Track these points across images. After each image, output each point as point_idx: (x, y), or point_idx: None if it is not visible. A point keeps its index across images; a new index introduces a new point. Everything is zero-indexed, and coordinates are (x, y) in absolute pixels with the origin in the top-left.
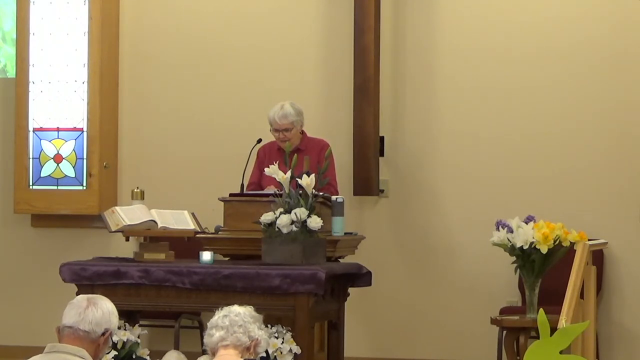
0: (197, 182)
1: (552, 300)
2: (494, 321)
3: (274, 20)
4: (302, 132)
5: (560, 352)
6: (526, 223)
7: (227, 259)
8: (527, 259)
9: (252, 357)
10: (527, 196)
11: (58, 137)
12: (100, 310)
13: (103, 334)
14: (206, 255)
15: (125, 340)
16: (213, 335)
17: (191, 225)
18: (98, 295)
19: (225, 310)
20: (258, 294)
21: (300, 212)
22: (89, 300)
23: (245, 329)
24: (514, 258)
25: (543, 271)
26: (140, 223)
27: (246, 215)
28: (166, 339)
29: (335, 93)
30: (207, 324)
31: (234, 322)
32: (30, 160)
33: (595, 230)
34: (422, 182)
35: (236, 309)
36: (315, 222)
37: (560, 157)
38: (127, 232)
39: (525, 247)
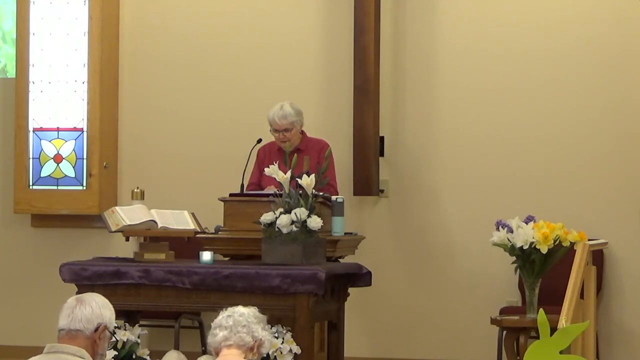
0: (197, 182)
1: (552, 300)
2: (494, 321)
3: (274, 20)
4: (302, 132)
5: (560, 352)
6: (526, 223)
7: (227, 259)
8: (527, 259)
9: (255, 358)
10: (527, 196)
11: (58, 137)
12: (89, 307)
13: (97, 329)
14: (206, 255)
15: (125, 340)
16: (217, 335)
17: (191, 225)
18: (89, 293)
19: (230, 310)
20: (258, 294)
21: (300, 212)
22: (77, 299)
23: (249, 329)
24: (514, 258)
25: (543, 271)
26: (140, 223)
27: (246, 215)
28: (166, 339)
29: (335, 93)
30: (211, 323)
31: (237, 322)
32: (30, 160)
33: (595, 230)
34: (422, 182)
35: (240, 309)
36: (315, 222)
37: (560, 157)
38: (127, 232)
39: (525, 247)
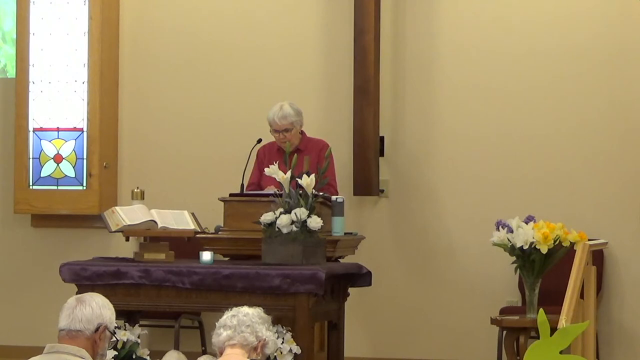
0: (197, 182)
1: (552, 300)
2: (494, 321)
3: (274, 20)
4: (302, 133)
5: (560, 352)
6: (526, 223)
7: (227, 259)
8: (527, 259)
9: (259, 358)
10: (527, 196)
11: (58, 137)
12: (89, 307)
13: (97, 329)
14: (206, 255)
15: (125, 340)
16: (221, 334)
17: (191, 225)
18: (89, 293)
19: (234, 310)
20: (258, 294)
21: (300, 212)
22: (77, 300)
23: (253, 329)
24: (514, 258)
25: (543, 271)
26: (140, 223)
27: (246, 215)
28: (166, 339)
29: (335, 93)
30: (216, 323)
31: (242, 322)
32: (30, 160)
33: (595, 230)
34: (422, 182)
35: (245, 309)
36: (315, 222)
37: (560, 157)
38: (127, 232)
39: (525, 247)
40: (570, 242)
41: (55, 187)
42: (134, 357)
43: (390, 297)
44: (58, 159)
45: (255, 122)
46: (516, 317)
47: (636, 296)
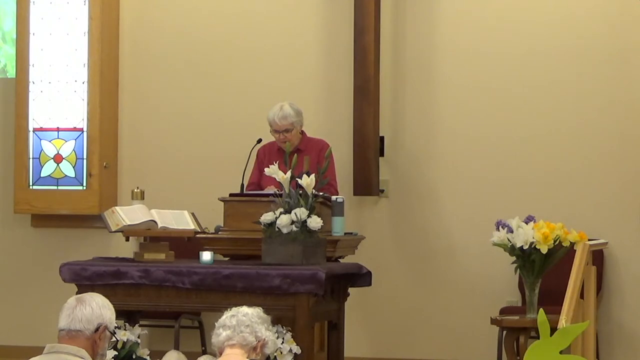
0: (197, 182)
1: (552, 300)
2: (494, 321)
3: (274, 21)
4: (302, 133)
5: (560, 352)
6: (526, 223)
7: (227, 259)
8: (527, 259)
9: (258, 358)
10: (527, 196)
11: (58, 137)
12: (89, 307)
13: (97, 329)
14: (206, 255)
15: (125, 340)
16: (220, 334)
17: (191, 225)
18: (89, 293)
19: (234, 310)
20: (258, 294)
21: (300, 212)
22: (77, 300)
23: (252, 329)
24: (514, 258)
25: (543, 271)
26: (140, 223)
27: (246, 215)
28: (166, 339)
29: (335, 93)
30: (215, 323)
31: (241, 322)
32: (30, 160)
33: (595, 230)
34: (422, 182)
35: (244, 309)
36: (315, 222)
37: (560, 157)
38: (127, 232)
39: (525, 247)
40: (570, 242)
41: (55, 187)
42: (134, 357)
43: (390, 297)
44: (58, 159)
45: (255, 122)
46: (516, 317)
47: (636, 296)
